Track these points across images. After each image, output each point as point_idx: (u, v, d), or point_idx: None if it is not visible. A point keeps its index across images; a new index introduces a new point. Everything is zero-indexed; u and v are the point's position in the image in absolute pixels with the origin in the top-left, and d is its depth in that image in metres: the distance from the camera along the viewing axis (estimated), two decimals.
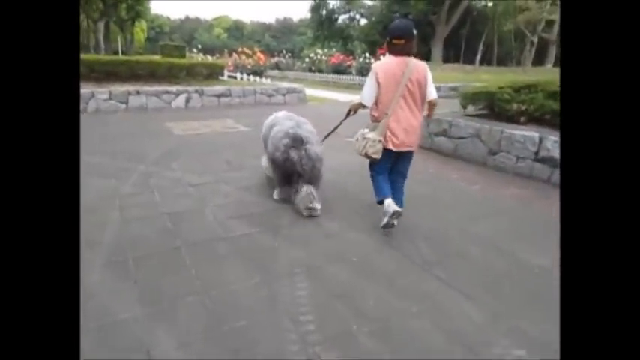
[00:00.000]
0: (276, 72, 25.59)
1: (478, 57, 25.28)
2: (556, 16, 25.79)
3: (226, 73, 13.03)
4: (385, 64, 3.01)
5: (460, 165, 5.24)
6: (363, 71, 17.03)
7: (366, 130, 3.06)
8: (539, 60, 32.50)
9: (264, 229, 3.14)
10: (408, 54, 2.96)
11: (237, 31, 79.79)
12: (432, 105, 3.15)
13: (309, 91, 14.89)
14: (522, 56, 36.07)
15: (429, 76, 3.02)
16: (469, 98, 5.89)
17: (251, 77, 13.09)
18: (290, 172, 3.51)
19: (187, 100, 9.69)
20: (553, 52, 28.84)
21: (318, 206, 3.42)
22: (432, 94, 3.07)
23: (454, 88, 15.01)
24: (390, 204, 3.02)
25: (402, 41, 2.93)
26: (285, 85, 12.36)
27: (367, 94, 3.03)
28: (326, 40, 33.31)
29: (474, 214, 3.62)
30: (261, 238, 3.01)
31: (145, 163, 4.81)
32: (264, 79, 13.40)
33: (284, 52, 27.04)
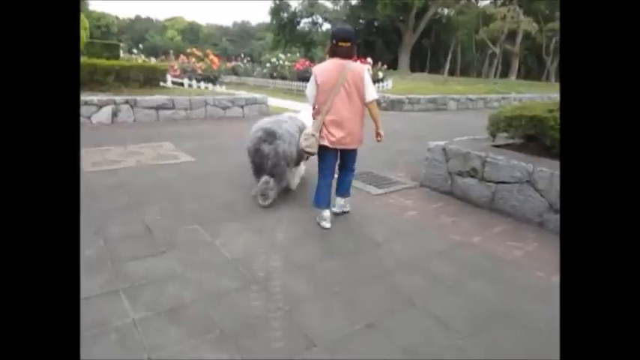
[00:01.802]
0: (233, 78, 23.40)
1: (447, 67, 24.54)
2: (519, 27, 25.60)
3: (170, 79, 10.79)
4: (324, 66, 3.19)
5: (508, 226, 3.53)
6: None
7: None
8: (503, 72, 32.52)
9: None
10: (350, 56, 3.15)
11: (192, 33, 75.82)
12: (370, 108, 3.24)
13: (272, 101, 12.93)
14: (483, 67, 36.15)
15: (367, 78, 3.15)
16: (504, 124, 4.24)
17: (202, 84, 10.96)
18: (258, 164, 3.63)
19: (114, 114, 7.45)
20: (516, 64, 28.77)
21: (270, 198, 3.66)
22: (369, 96, 3.17)
23: (433, 100, 13.67)
24: (326, 217, 3.30)
25: (348, 43, 3.12)
26: (243, 94, 10.34)
27: (309, 93, 3.27)
28: (287, 44, 31.38)
29: None
30: None
31: None
32: (218, 87, 11.31)
33: (242, 55, 24.89)
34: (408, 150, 6.57)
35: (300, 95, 15.95)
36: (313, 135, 3.17)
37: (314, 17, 32.80)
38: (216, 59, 11.56)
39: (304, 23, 33.47)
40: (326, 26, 32.81)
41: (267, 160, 3.53)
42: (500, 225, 3.55)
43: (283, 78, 18.41)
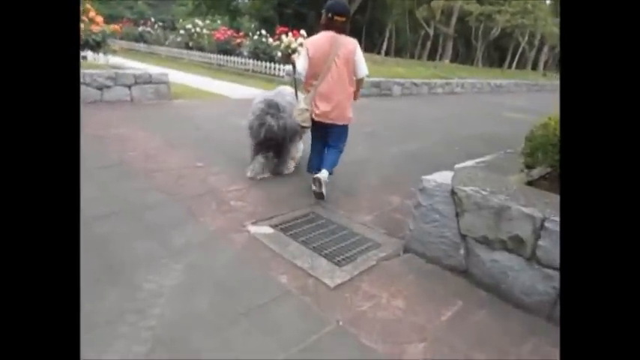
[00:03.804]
0: (142, 46, 19.63)
1: (384, 47, 22.96)
2: (455, 4, 24.74)
3: None
4: (316, 39, 3.14)
5: None
6: (259, 53, 12.79)
7: (302, 100, 3.25)
8: (432, 54, 31.99)
9: None
10: (344, 31, 3.12)
11: None
12: (358, 83, 3.27)
13: (181, 78, 10.19)
14: (416, 49, 35.49)
15: (359, 54, 3.13)
16: (556, 150, 2.39)
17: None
18: (263, 138, 3.41)
19: None
20: (450, 46, 28.21)
21: (264, 174, 3.59)
22: (360, 71, 3.18)
23: (377, 85, 11.86)
24: (316, 176, 3.19)
25: (344, 18, 3.09)
26: (133, 68, 7.55)
27: (300, 65, 3.14)
28: (209, 11, 27.46)
29: None
30: None
31: None
32: (102, 56, 8.33)
33: (152, 20, 20.94)
34: (364, 160, 4.60)
35: (220, 72, 13.21)
36: (307, 109, 3.18)
37: None
38: (99, 18, 8.49)
39: None
40: None
41: (275, 134, 3.39)
42: None
43: (201, 49, 15.41)
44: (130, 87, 6.64)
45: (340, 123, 3.25)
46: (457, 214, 2.39)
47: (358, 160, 4.51)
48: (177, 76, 10.28)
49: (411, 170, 4.54)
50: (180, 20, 19.65)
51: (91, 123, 4.92)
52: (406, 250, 2.64)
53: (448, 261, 2.45)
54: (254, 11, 26.36)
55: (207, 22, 16.92)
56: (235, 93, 8.86)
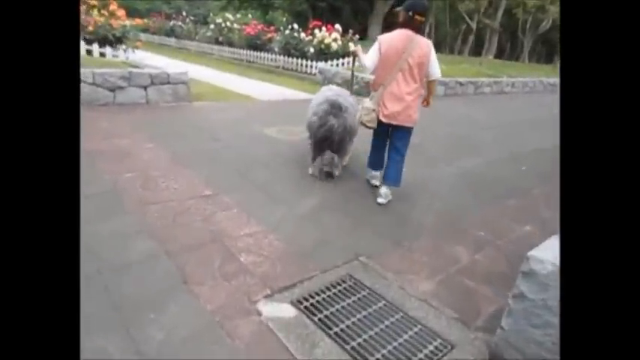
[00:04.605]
0: (173, 40, 19.31)
1: None
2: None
3: None
4: (391, 36, 3.05)
5: None
6: (290, 49, 11.96)
7: (367, 99, 3.21)
8: (474, 49, 30.15)
9: None
10: (421, 31, 3.04)
11: None
12: (430, 85, 3.20)
13: (207, 75, 9.52)
14: (456, 43, 33.70)
15: (433, 55, 3.03)
16: None
17: (95, 48, 7.38)
18: (323, 138, 3.36)
19: None
20: (495, 41, 26.36)
21: (336, 172, 3.64)
22: (432, 73, 3.10)
23: None
24: (373, 176, 3.51)
25: (424, 18, 3.03)
26: (151, 67, 6.88)
27: (369, 60, 3.08)
28: (242, 5, 26.93)
29: None
30: None
31: None
32: (122, 53, 7.77)
33: (184, 14, 20.53)
34: (413, 187, 3.67)
35: (249, 69, 12.51)
36: (374, 109, 3.12)
37: None
38: (121, 12, 7.93)
39: None
40: None
41: (334, 135, 3.30)
42: None
43: (230, 44, 14.78)
44: (145, 88, 5.96)
45: (407, 125, 3.17)
46: None
47: (406, 185, 3.58)
48: (203, 73, 9.66)
49: (474, 202, 3.60)
50: (211, 14, 19.11)
51: (93, 132, 4.26)
52: (494, 357, 1.74)
53: None
54: (287, 5, 25.54)
55: (239, 16, 16.27)
56: (263, 93, 8.09)
